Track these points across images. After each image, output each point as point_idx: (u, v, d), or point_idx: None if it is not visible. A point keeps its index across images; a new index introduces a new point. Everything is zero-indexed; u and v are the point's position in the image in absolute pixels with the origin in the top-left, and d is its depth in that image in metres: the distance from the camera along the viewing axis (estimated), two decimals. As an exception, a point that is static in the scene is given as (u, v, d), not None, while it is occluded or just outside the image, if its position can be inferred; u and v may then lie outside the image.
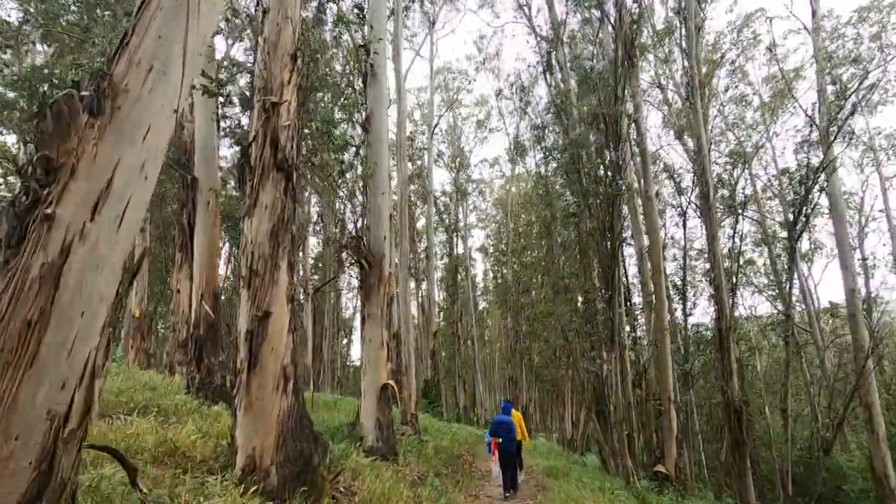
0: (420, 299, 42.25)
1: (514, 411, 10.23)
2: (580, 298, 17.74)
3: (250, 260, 5.04)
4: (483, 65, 34.35)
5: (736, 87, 27.26)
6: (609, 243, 10.95)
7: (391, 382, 8.09)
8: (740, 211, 20.77)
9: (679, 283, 20.42)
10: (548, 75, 16.06)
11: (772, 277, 29.29)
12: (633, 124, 13.90)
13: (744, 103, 28.40)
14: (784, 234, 30.77)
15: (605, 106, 11.06)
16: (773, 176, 29.57)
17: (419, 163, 39.04)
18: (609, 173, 11.18)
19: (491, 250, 46.70)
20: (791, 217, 19.53)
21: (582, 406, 28.10)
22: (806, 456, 20.01)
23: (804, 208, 19.23)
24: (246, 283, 5.01)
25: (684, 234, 18.83)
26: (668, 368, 14.31)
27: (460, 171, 41.35)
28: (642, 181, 15.20)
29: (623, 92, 11.05)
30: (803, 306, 26.52)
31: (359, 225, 9.45)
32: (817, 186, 18.73)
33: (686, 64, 20.72)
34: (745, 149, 26.86)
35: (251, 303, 4.96)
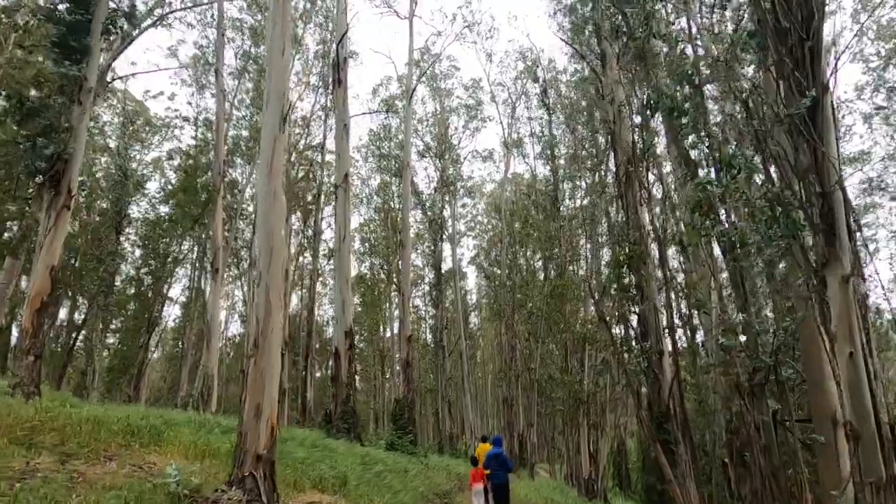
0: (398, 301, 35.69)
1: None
2: (625, 248, 10.75)
3: None
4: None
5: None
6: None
7: None
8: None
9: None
10: None
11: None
12: None
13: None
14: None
15: None
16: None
17: (398, 138, 32.86)
18: None
19: (482, 257, 40.95)
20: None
21: (602, 430, 20.88)
22: None
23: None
24: None
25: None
26: (826, 364, 7.17)
27: (446, 155, 34.76)
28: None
29: None
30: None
31: None
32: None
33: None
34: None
35: None
